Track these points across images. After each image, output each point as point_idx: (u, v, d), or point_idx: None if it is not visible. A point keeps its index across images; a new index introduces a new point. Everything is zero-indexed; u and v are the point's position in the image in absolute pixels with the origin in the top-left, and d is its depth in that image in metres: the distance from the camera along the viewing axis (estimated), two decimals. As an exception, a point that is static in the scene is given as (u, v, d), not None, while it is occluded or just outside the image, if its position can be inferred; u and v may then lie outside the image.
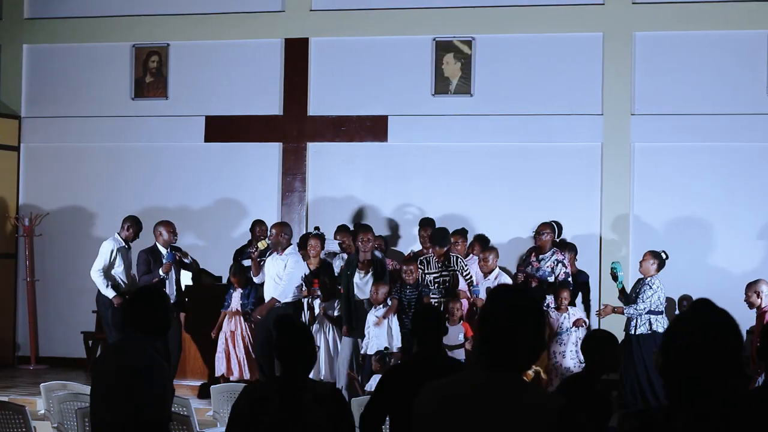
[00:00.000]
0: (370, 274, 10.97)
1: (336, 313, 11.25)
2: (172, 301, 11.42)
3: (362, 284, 10.97)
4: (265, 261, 11.31)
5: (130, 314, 5.42)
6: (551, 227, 11.59)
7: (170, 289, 11.48)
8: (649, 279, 10.97)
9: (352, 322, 10.91)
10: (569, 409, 3.32)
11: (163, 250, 11.50)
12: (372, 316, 10.69)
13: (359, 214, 13.49)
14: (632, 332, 10.92)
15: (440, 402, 3.43)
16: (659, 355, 3.18)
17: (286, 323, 5.07)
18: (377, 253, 11.23)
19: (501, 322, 3.40)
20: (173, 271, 11.48)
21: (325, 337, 11.23)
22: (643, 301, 10.85)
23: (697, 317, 3.17)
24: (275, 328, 5.01)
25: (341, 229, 12.47)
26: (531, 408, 3.30)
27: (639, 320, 10.88)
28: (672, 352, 3.13)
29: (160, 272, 11.33)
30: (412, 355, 6.03)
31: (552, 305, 11.10)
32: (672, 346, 3.15)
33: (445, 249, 11.14)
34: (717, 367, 3.09)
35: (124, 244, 11.74)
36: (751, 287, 10.52)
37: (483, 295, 11.02)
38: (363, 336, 10.77)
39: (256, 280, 11.44)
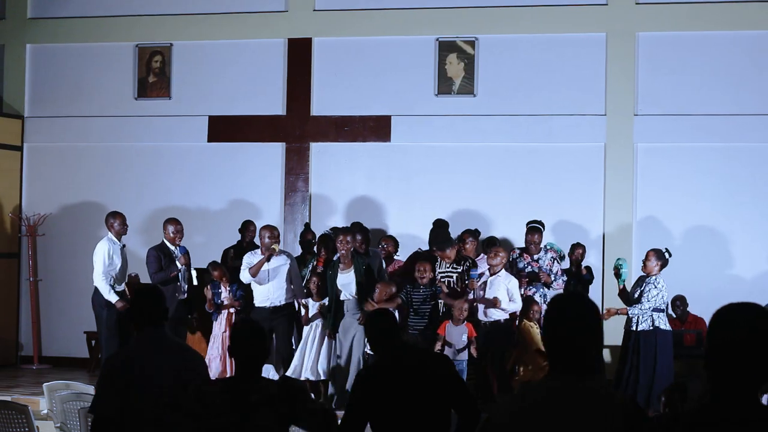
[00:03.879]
0: (351, 272, 11.01)
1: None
2: (184, 297, 11.55)
3: (347, 283, 11.02)
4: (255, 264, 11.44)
5: (142, 311, 5.52)
6: (540, 231, 11.78)
7: (183, 286, 11.58)
8: (653, 278, 10.97)
9: (337, 324, 11.04)
10: (635, 401, 3.53)
11: (172, 247, 11.60)
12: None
13: (358, 214, 13.48)
14: (633, 328, 10.94)
15: (516, 412, 3.56)
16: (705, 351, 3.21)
17: (242, 322, 5.16)
18: (379, 251, 11.33)
19: (565, 331, 3.57)
20: (184, 269, 11.56)
21: (320, 337, 11.23)
22: (648, 300, 10.87)
23: (741, 316, 3.15)
24: (235, 326, 5.13)
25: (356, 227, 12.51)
26: (603, 405, 3.46)
27: (641, 317, 10.91)
28: (717, 351, 3.13)
29: (178, 264, 11.44)
30: (374, 363, 5.95)
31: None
32: (716, 345, 3.14)
33: (447, 251, 11.16)
34: (762, 368, 3.08)
35: (117, 241, 11.80)
36: None
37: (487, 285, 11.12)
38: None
39: (248, 279, 11.44)
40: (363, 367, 8.15)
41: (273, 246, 11.35)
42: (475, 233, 11.95)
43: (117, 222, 11.87)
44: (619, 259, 11.57)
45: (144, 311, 5.50)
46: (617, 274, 11.33)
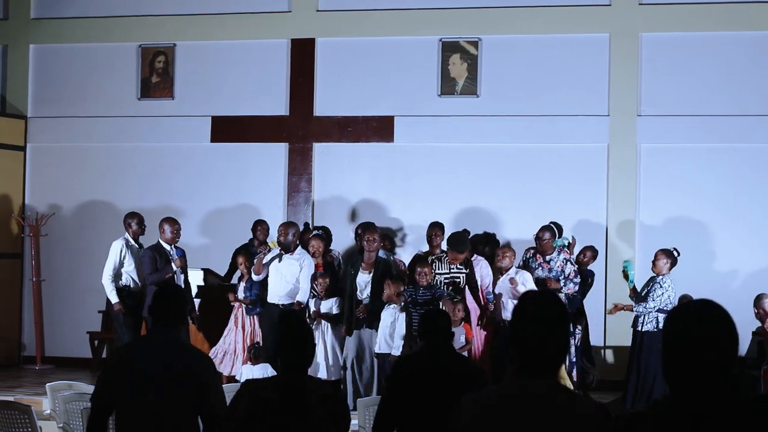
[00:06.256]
0: (371, 274, 10.98)
1: (335, 311, 11.22)
2: None
3: (363, 284, 10.99)
4: (271, 259, 11.41)
5: (157, 309, 5.51)
6: (551, 230, 11.65)
7: None
8: (660, 278, 10.96)
9: (352, 322, 10.97)
10: (607, 410, 3.44)
11: (168, 247, 11.51)
12: (385, 314, 10.67)
13: (362, 214, 13.48)
14: (639, 329, 10.93)
15: (477, 414, 3.48)
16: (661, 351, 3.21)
17: (291, 317, 5.16)
18: (382, 254, 11.26)
19: (532, 330, 3.48)
20: (179, 271, 11.50)
21: (322, 337, 11.22)
22: (653, 300, 10.86)
23: (693, 312, 3.17)
24: (280, 322, 5.08)
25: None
26: (570, 411, 3.39)
27: (646, 317, 10.89)
28: (670, 347, 3.15)
29: (174, 266, 11.38)
30: (415, 352, 6.11)
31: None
32: (669, 340, 3.16)
33: (462, 255, 11.08)
34: (714, 363, 3.09)
35: (133, 242, 11.77)
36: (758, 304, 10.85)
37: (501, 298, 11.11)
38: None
39: (256, 278, 11.48)
40: (406, 355, 8.15)
41: (270, 243, 11.43)
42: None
43: (134, 222, 11.84)
44: (625, 261, 11.58)
45: (161, 310, 5.49)
46: (625, 276, 11.32)
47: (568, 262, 11.49)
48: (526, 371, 3.45)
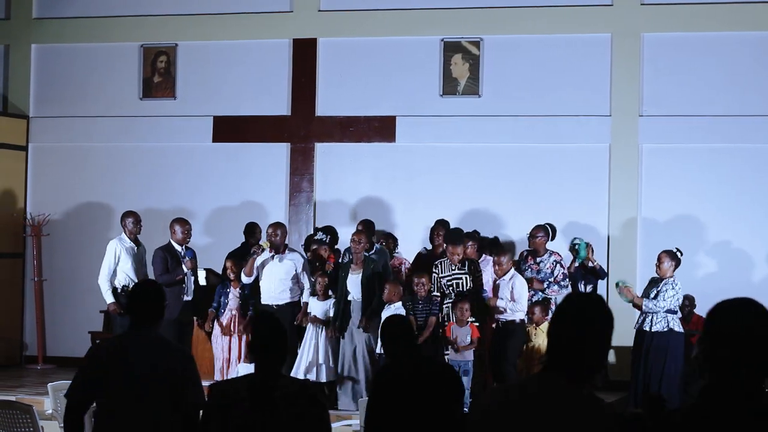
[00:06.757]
0: (360, 274, 10.99)
1: (332, 313, 11.24)
2: (189, 299, 11.48)
3: (352, 285, 11.00)
4: (262, 261, 11.44)
5: (137, 308, 5.53)
6: (545, 230, 11.67)
7: (189, 288, 11.51)
8: (672, 280, 10.91)
9: (338, 322, 11.02)
10: (623, 417, 3.40)
11: (179, 248, 11.52)
12: (386, 315, 10.64)
13: (363, 214, 13.46)
14: (647, 329, 10.85)
15: (499, 405, 3.43)
16: (697, 346, 3.17)
17: (266, 317, 5.16)
18: (373, 253, 11.31)
19: (569, 331, 3.39)
20: (190, 273, 11.51)
21: (316, 338, 11.19)
22: (664, 300, 10.80)
23: (729, 310, 3.16)
24: (256, 321, 5.09)
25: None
26: (587, 416, 3.31)
27: (655, 317, 10.83)
28: (706, 345, 3.13)
29: (185, 268, 11.38)
30: (387, 364, 6.13)
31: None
32: (705, 337, 3.14)
33: (460, 248, 11.05)
34: (754, 361, 3.07)
35: (130, 242, 11.76)
36: None
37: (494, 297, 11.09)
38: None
39: (246, 280, 11.47)
40: (379, 370, 8.17)
41: (263, 243, 11.42)
42: (473, 236, 11.87)
43: (129, 221, 11.85)
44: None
45: (140, 308, 5.50)
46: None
47: (558, 265, 11.52)
48: (555, 368, 3.39)
